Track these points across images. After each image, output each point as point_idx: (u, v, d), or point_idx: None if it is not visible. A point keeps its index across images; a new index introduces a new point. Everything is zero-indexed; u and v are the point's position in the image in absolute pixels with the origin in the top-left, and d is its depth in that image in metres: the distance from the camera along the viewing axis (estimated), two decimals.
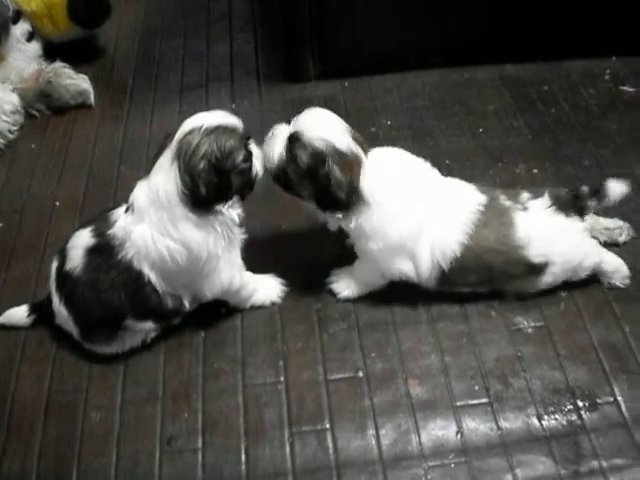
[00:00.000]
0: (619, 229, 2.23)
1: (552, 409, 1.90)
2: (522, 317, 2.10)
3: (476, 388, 1.95)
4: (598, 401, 1.92)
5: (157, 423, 1.91)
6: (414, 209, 1.93)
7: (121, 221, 1.86)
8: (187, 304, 1.96)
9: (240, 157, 1.80)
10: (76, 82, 2.92)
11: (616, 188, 1.94)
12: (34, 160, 2.72)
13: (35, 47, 3.03)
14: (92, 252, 1.88)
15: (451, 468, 1.80)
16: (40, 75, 2.90)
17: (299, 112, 1.84)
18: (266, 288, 2.15)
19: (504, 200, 2.01)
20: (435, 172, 2.03)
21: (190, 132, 1.77)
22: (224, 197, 1.81)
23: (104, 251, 1.87)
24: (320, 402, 1.94)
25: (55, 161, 2.71)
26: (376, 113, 2.81)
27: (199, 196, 1.75)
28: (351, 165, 1.88)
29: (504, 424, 1.88)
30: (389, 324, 2.10)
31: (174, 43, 3.30)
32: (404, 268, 2.01)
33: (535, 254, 1.96)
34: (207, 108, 2.81)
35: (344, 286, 2.16)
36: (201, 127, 1.77)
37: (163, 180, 1.77)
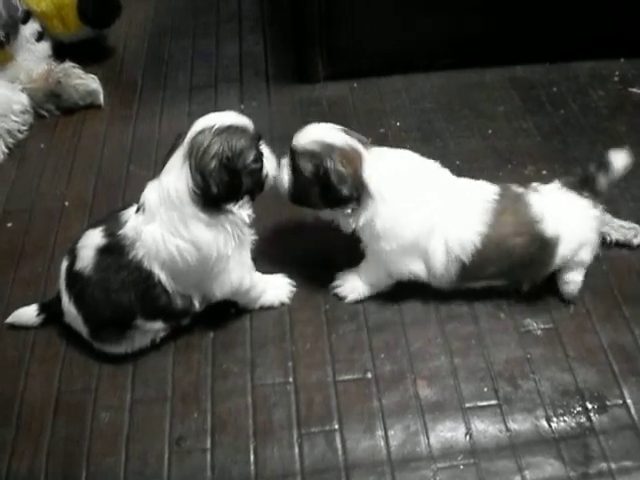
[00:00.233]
0: (634, 230, 2.24)
1: (561, 411, 1.90)
2: (531, 319, 2.10)
3: (485, 390, 1.95)
4: (607, 403, 1.92)
5: (166, 423, 1.92)
6: (424, 206, 1.94)
7: (132, 221, 1.86)
8: (197, 304, 1.97)
9: (251, 157, 1.81)
10: (85, 82, 2.92)
11: (618, 157, 1.93)
12: (43, 160, 2.73)
13: (44, 47, 3.03)
14: (103, 252, 1.88)
15: (460, 470, 1.80)
16: (49, 75, 2.90)
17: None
18: (275, 289, 2.15)
19: (516, 188, 2.03)
20: (445, 171, 2.03)
21: (202, 132, 1.77)
22: (235, 196, 1.81)
23: (115, 251, 1.87)
24: (329, 403, 1.94)
25: (64, 161, 2.71)
26: (385, 114, 2.81)
27: (210, 195, 1.76)
28: (350, 158, 1.89)
29: (513, 426, 1.88)
30: (398, 325, 2.10)
31: (183, 43, 3.30)
32: (416, 268, 2.01)
33: (549, 226, 1.95)
34: (216, 108, 2.82)
35: (350, 289, 2.16)
36: (213, 127, 1.77)
37: (174, 179, 1.77)
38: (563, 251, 1.99)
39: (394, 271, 2.04)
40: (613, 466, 1.80)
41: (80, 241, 1.95)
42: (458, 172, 2.07)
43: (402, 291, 2.14)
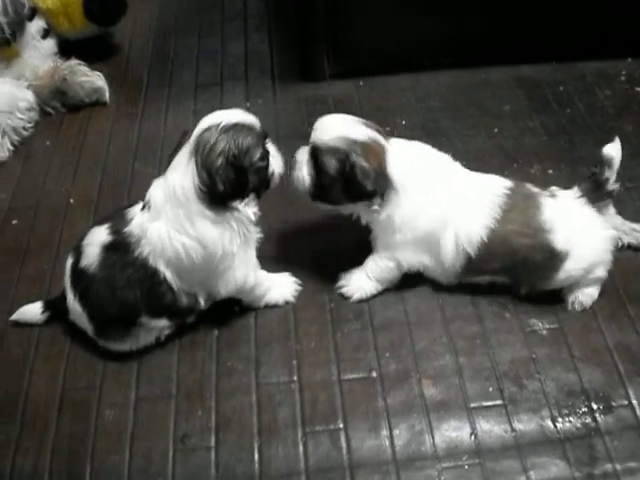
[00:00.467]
0: None
1: (566, 411, 1.90)
2: (536, 319, 2.09)
3: (490, 389, 1.94)
4: (613, 404, 1.91)
5: (171, 421, 1.91)
6: (441, 199, 1.95)
7: (137, 218, 1.86)
8: (202, 302, 1.97)
9: (257, 155, 1.81)
10: (91, 79, 2.92)
11: (610, 148, 1.93)
12: (49, 157, 2.73)
13: (50, 44, 3.04)
14: (108, 249, 1.89)
15: (465, 470, 1.80)
16: (55, 72, 2.90)
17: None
18: (280, 287, 2.15)
19: (531, 187, 2.03)
20: (457, 164, 2.05)
21: (208, 129, 1.78)
22: (241, 194, 1.81)
23: (120, 248, 1.87)
24: (333, 402, 1.93)
25: (70, 158, 2.72)
26: (391, 113, 2.81)
27: (216, 192, 1.76)
28: (375, 152, 1.90)
29: (518, 426, 1.87)
30: (403, 324, 2.09)
31: (189, 41, 3.30)
32: (426, 260, 2.02)
33: (559, 239, 1.95)
34: (221, 106, 2.81)
35: (355, 288, 2.15)
36: (219, 124, 1.77)
37: (180, 176, 1.78)
38: (571, 268, 1.99)
39: (404, 264, 2.05)
40: (618, 467, 1.79)
41: (85, 238, 1.95)
42: None
43: (407, 290, 2.14)
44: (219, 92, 2.99)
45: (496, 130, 2.71)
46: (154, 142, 2.75)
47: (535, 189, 2.03)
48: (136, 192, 2.44)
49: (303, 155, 1.99)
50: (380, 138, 1.93)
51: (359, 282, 2.15)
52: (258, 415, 1.92)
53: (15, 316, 2.11)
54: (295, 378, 1.99)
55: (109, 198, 2.52)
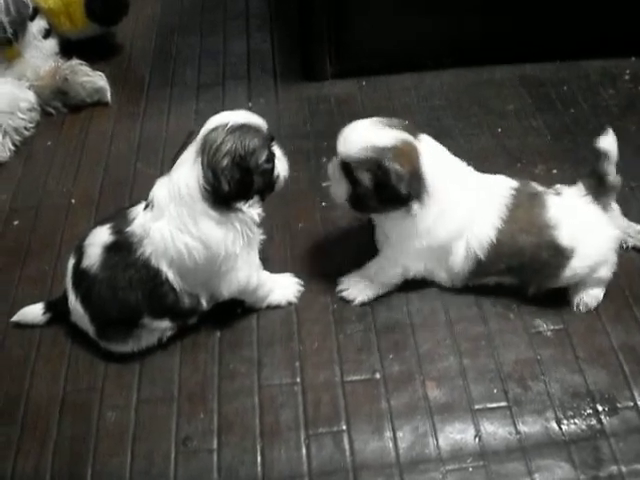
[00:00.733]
0: None
1: (571, 413, 1.88)
2: (541, 320, 2.08)
3: (495, 391, 1.93)
4: (618, 405, 1.89)
5: (172, 423, 1.90)
6: (464, 204, 1.93)
7: (140, 218, 1.86)
8: (204, 303, 1.96)
9: (263, 157, 1.80)
10: (93, 79, 2.91)
11: (604, 141, 1.92)
12: (50, 157, 2.72)
13: (52, 44, 3.03)
14: (110, 249, 1.88)
15: (469, 472, 1.79)
16: (57, 72, 2.89)
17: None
18: (283, 288, 2.14)
19: (536, 185, 2.03)
20: (470, 167, 2.04)
21: (215, 129, 1.78)
22: (245, 195, 1.80)
23: (122, 248, 1.86)
24: (337, 404, 1.92)
25: (71, 158, 2.71)
26: (393, 113, 2.77)
27: (221, 192, 1.75)
28: (406, 154, 1.84)
29: (523, 428, 1.86)
30: (407, 326, 2.08)
31: (191, 41, 3.29)
32: (435, 267, 2.03)
33: (564, 235, 1.94)
34: (224, 106, 2.84)
35: (357, 292, 2.14)
36: (226, 125, 1.77)
37: (185, 176, 1.77)
38: (576, 266, 1.98)
39: (411, 270, 2.04)
40: (624, 469, 1.77)
41: (87, 239, 1.94)
42: None
43: (411, 292, 2.13)
44: (221, 92, 2.98)
45: (500, 129, 2.70)
46: (156, 142, 2.74)
47: (540, 187, 2.02)
48: (138, 192, 2.43)
49: (335, 169, 1.95)
50: (409, 137, 1.87)
51: (361, 286, 2.13)
52: (260, 417, 1.90)
53: (16, 317, 2.10)
54: (298, 380, 1.98)
55: (111, 198, 2.51)
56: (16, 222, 2.45)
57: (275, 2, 3.48)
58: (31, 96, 2.83)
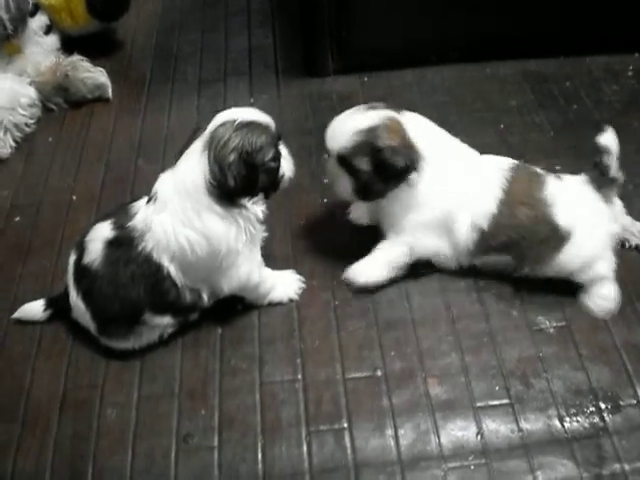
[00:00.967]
0: None
1: (574, 411, 1.87)
2: (543, 317, 2.07)
3: (497, 388, 1.92)
4: (621, 403, 1.88)
5: (173, 420, 1.90)
6: (461, 170, 2.00)
7: (142, 213, 1.86)
8: (206, 299, 1.95)
9: (270, 155, 1.81)
10: (94, 75, 2.91)
11: (604, 138, 1.94)
12: (51, 153, 2.72)
13: (53, 40, 3.03)
14: (111, 245, 1.88)
15: (471, 470, 1.78)
16: (57, 68, 2.89)
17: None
18: (284, 284, 2.13)
19: (538, 168, 2.07)
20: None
21: (223, 124, 1.78)
22: (250, 191, 1.81)
23: (123, 244, 1.86)
24: (338, 401, 1.92)
25: (72, 155, 2.70)
26: (396, 108, 2.78)
27: (226, 188, 1.75)
28: (393, 128, 1.91)
29: (525, 425, 1.85)
30: (408, 323, 2.07)
31: (192, 37, 3.29)
32: (440, 243, 2.04)
33: (561, 214, 1.96)
34: (225, 102, 2.84)
35: (359, 273, 2.13)
36: (234, 121, 1.78)
37: (191, 170, 1.78)
38: (572, 253, 1.98)
39: (417, 248, 2.05)
40: (627, 467, 1.76)
41: (88, 234, 1.94)
42: None
43: (413, 288, 2.13)
44: (223, 88, 2.97)
45: (502, 125, 2.69)
46: (157, 138, 2.73)
47: (542, 170, 2.06)
48: (139, 188, 2.43)
49: (332, 167, 2.00)
50: (392, 113, 1.94)
51: (365, 267, 2.13)
52: (262, 414, 1.90)
53: (17, 314, 2.10)
54: (299, 377, 1.97)
55: (112, 194, 2.50)
56: (17, 218, 2.44)
57: None
58: (32, 92, 2.83)
